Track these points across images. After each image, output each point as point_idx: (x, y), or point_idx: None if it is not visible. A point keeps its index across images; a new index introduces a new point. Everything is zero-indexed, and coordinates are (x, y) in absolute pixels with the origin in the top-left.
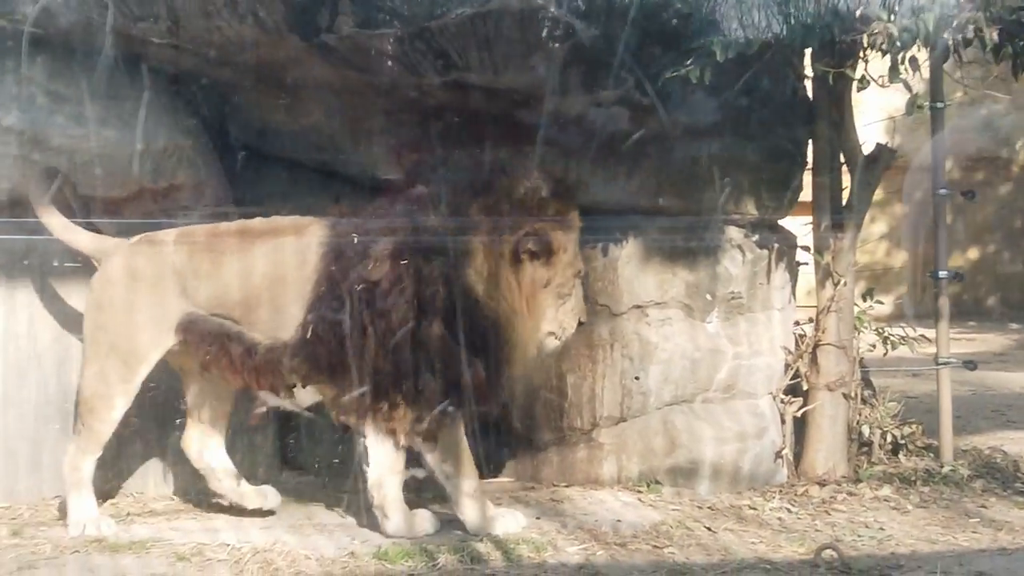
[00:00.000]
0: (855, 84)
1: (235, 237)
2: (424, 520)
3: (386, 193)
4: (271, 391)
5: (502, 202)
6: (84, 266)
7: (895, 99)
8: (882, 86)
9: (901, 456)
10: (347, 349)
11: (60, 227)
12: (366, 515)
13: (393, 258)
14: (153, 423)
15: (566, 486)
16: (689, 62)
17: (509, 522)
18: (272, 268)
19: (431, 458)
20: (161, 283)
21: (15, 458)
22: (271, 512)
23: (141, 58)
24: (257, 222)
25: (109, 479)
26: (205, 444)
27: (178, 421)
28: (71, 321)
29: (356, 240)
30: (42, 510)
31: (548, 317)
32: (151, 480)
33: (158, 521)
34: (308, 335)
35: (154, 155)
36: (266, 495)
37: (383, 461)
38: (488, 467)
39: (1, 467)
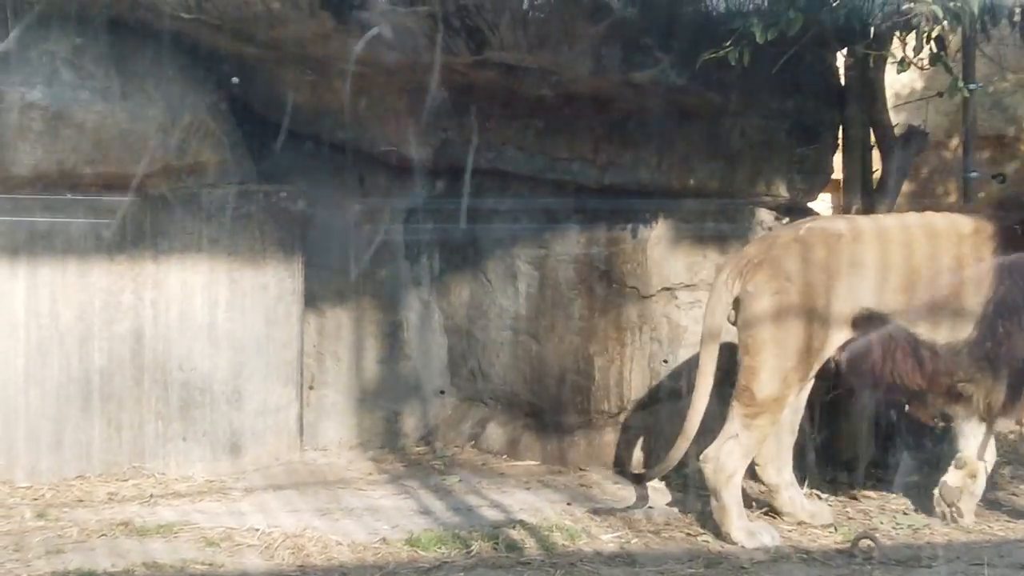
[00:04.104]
0: (895, 66)
1: (910, 232)
2: None
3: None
4: (940, 394)
5: None
6: (106, 245)
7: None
8: (921, 68)
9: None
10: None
11: None
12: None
13: None
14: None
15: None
16: (728, 43)
17: None
18: (956, 266)
19: None
20: (840, 275)
21: (37, 438)
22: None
23: (169, 34)
24: (918, 216)
25: (132, 459)
26: (780, 458)
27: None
28: (93, 300)
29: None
30: (64, 490)
31: None
32: (172, 460)
33: (182, 503)
34: (996, 334)
35: (179, 132)
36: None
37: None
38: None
39: (23, 447)
